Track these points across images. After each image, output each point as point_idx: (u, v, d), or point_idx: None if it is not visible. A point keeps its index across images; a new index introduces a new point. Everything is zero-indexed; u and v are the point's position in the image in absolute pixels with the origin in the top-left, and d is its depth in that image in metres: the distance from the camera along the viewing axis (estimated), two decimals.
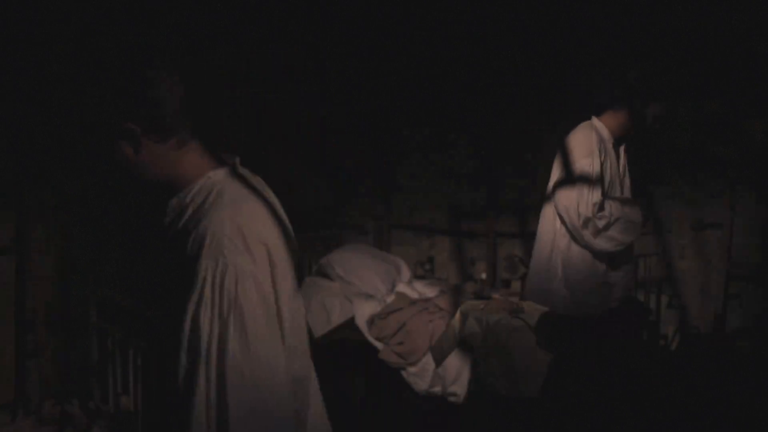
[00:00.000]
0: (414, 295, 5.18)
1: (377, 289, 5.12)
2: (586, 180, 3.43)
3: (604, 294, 3.49)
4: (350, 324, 5.06)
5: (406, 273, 5.45)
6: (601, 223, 3.39)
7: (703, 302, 5.17)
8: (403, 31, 6.01)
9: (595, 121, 3.54)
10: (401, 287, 5.27)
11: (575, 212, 3.40)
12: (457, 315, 4.54)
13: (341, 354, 5.59)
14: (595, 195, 3.38)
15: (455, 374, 4.63)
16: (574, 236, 3.46)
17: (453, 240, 5.86)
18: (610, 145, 3.52)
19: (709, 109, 5.16)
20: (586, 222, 3.39)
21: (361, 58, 6.14)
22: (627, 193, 3.63)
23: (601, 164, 3.44)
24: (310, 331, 5.11)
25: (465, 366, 4.59)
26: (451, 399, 4.66)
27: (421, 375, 4.76)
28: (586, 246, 3.44)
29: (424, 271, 5.97)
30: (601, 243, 3.41)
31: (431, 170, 5.90)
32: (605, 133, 3.51)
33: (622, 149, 3.64)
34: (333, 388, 5.29)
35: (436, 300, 4.95)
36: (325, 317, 5.09)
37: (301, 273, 5.57)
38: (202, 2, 5.06)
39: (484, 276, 5.71)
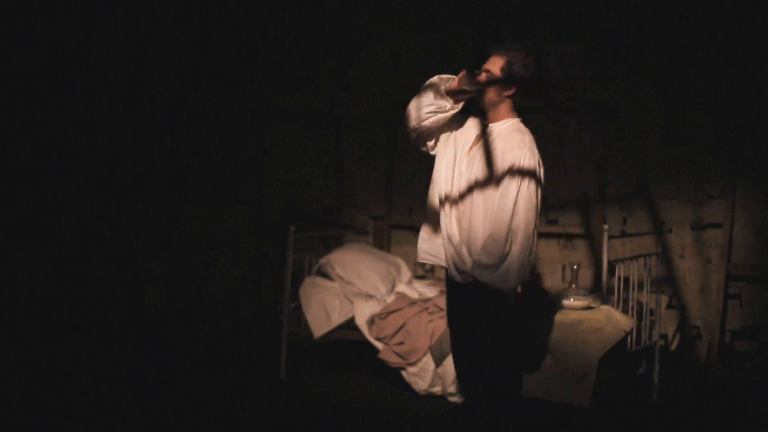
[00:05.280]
0: (414, 295, 5.17)
1: (377, 289, 5.12)
2: None
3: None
4: (350, 324, 5.06)
5: (406, 273, 5.44)
6: None
7: (703, 302, 5.16)
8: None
9: None
10: (401, 287, 5.26)
11: None
12: None
13: (341, 354, 5.59)
14: None
15: (455, 374, 4.62)
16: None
17: None
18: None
19: (710, 109, 5.16)
20: None
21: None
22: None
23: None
24: (310, 331, 5.12)
25: None
26: (451, 399, 4.66)
27: (421, 375, 4.76)
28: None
29: (424, 271, 5.98)
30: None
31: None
32: None
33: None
34: (333, 388, 5.31)
35: (436, 300, 4.95)
36: (325, 317, 5.09)
37: (301, 273, 5.57)
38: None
39: None
